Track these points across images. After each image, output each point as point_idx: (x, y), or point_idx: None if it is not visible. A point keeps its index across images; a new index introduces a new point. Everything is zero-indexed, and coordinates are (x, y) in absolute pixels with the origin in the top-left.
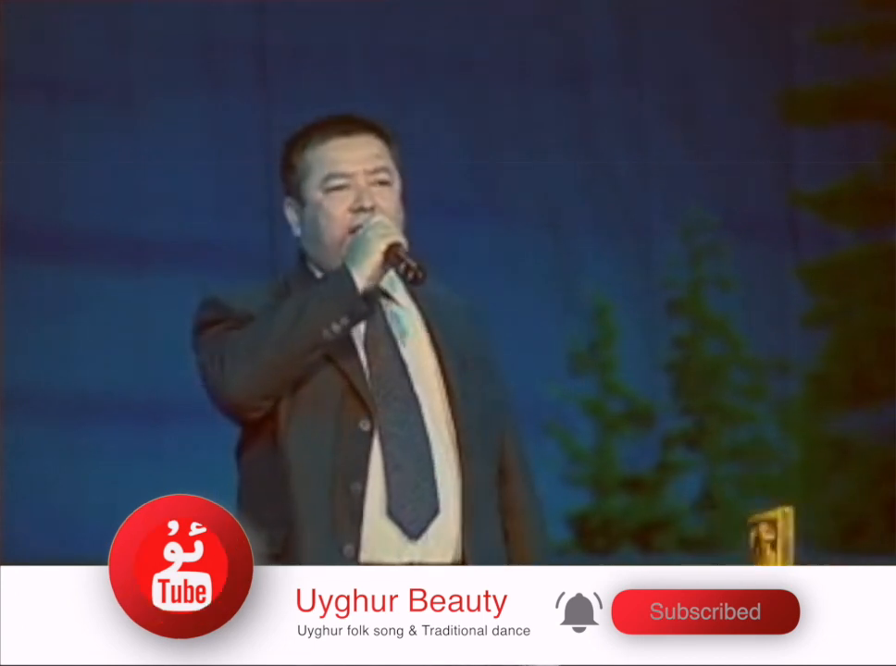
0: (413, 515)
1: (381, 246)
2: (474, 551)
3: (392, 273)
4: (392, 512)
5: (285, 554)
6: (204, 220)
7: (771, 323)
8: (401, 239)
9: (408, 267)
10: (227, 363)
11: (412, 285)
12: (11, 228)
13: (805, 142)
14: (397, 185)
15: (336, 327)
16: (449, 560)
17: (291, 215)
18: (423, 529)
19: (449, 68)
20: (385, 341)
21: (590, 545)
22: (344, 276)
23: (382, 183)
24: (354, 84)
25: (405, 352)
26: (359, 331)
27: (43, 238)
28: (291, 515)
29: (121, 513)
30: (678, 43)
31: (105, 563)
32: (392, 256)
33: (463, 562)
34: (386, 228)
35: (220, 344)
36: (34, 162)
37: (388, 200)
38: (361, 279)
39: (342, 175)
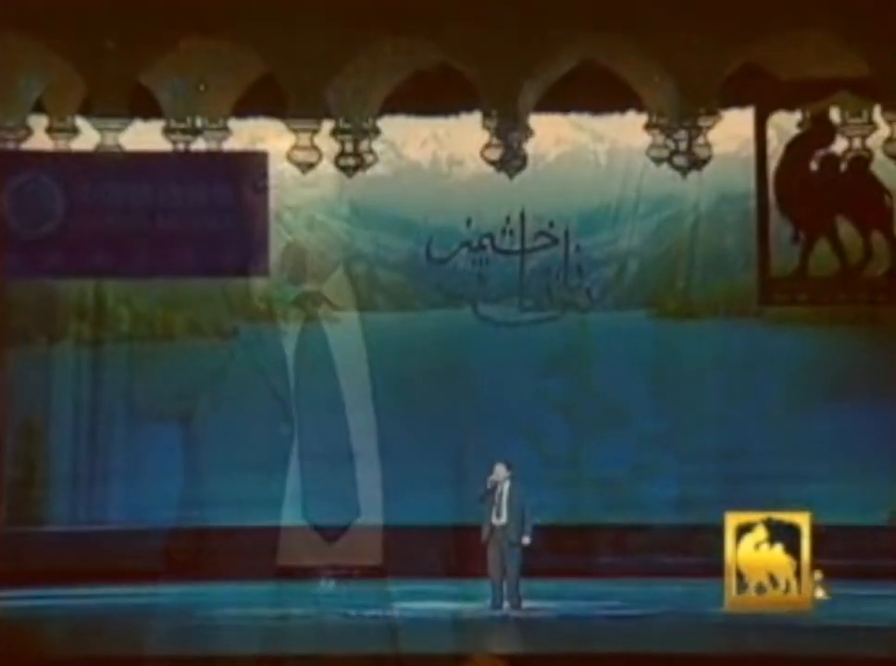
0: (331, 519)
1: None
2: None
3: (336, 282)
4: (310, 516)
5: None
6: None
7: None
8: None
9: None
10: None
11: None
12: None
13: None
14: None
15: None
16: (370, 563)
17: None
18: (341, 532)
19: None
20: (317, 350)
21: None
22: None
23: None
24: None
25: (338, 361)
26: (292, 340)
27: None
28: None
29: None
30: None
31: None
32: None
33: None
34: None
35: None
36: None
37: None
38: None
39: None
